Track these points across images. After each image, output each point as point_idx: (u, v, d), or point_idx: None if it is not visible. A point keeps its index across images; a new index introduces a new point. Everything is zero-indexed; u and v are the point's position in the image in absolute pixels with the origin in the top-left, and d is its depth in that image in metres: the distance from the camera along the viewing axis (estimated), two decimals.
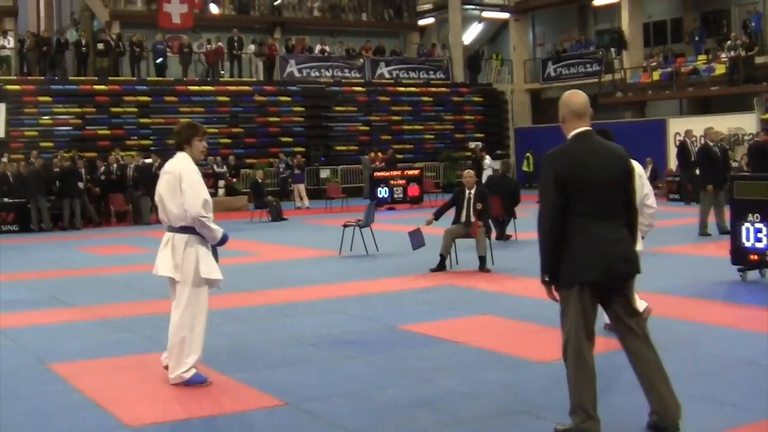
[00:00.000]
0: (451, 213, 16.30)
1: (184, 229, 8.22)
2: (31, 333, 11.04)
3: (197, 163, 8.41)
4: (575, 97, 6.45)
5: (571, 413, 6.21)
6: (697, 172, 23.30)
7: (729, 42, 37.09)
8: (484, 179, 29.03)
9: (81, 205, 27.65)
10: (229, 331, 10.70)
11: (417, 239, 16.71)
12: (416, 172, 33.81)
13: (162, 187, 8.35)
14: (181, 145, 8.39)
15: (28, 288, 15.07)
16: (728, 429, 6.56)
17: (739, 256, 13.32)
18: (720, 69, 37.12)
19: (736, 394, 7.37)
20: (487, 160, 36.05)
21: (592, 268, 6.11)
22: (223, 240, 8.41)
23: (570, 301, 6.23)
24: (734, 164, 29.60)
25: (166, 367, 8.38)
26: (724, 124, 33.17)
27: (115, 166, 29.59)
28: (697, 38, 40.35)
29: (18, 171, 28.15)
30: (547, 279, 6.42)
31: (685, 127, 31.62)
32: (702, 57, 39.23)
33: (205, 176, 32.07)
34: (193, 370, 8.25)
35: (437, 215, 16.44)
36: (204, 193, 8.18)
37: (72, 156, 29.45)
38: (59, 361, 9.36)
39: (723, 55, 37.27)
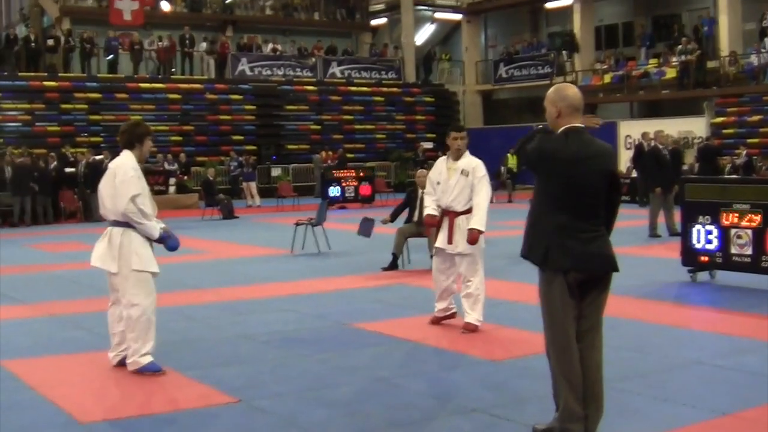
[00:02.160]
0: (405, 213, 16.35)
1: (119, 223, 8.40)
2: None
3: (146, 161, 8.54)
4: (573, 91, 6.28)
5: (557, 411, 6.16)
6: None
7: (680, 46, 37.42)
8: None
9: (43, 202, 27.65)
10: (180, 327, 10.65)
11: (367, 228, 16.83)
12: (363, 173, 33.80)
13: (101, 183, 8.61)
14: (132, 143, 8.58)
15: None
16: (678, 428, 6.61)
17: (690, 257, 13.44)
18: (671, 73, 37.49)
19: (686, 394, 7.43)
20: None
21: (572, 259, 6.07)
22: (162, 240, 8.51)
23: (555, 289, 6.22)
24: (684, 167, 29.91)
25: (122, 361, 8.51)
26: (674, 127, 33.47)
27: (83, 162, 29.29)
28: (648, 43, 40.67)
29: None
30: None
31: (636, 130, 31.80)
32: (653, 61, 39.58)
33: (156, 174, 32.20)
34: (150, 358, 8.40)
35: (393, 216, 16.46)
36: (133, 189, 8.29)
37: (22, 153, 29.16)
38: (9, 357, 9.25)
39: (674, 60, 37.61)
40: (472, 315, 10.22)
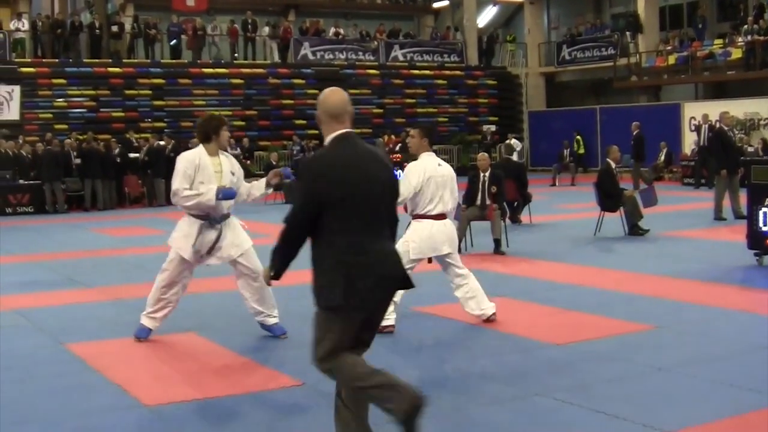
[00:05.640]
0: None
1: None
2: (47, 314, 11.08)
3: (225, 150, 9.36)
4: (331, 97, 5.87)
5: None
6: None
7: (745, 26, 36.89)
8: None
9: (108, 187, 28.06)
10: (244, 311, 10.71)
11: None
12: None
13: None
14: (208, 137, 9.12)
15: (44, 269, 15.12)
16: (746, 413, 6.54)
17: (756, 240, 13.25)
18: (736, 53, 36.91)
19: (753, 379, 7.34)
20: (514, 141, 34.86)
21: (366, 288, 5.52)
22: (223, 198, 9.06)
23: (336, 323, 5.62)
24: (750, 149, 29.56)
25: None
26: (740, 108, 33.04)
27: (146, 148, 29.61)
28: (700, 26, 40.11)
29: (34, 152, 28.28)
30: (272, 274, 5.99)
31: (702, 112, 31.36)
32: (718, 41, 39.03)
33: None
34: (144, 321, 9.34)
35: (468, 202, 16.26)
36: (175, 184, 9.00)
37: (87, 138, 29.52)
38: (76, 341, 9.40)
39: (739, 40, 37.09)
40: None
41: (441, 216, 9.57)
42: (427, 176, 9.43)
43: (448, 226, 9.67)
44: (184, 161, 9.02)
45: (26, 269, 15.14)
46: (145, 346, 9.14)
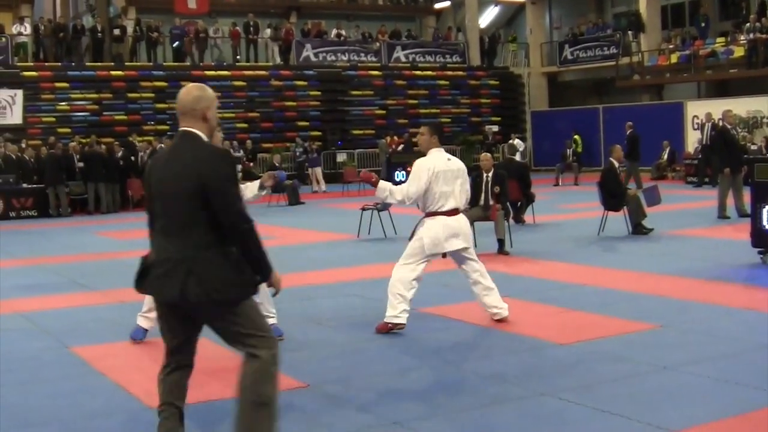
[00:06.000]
0: None
1: None
2: (52, 317, 11.10)
3: None
4: (181, 94, 5.70)
5: None
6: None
7: (748, 24, 36.86)
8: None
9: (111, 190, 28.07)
10: None
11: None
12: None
13: None
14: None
15: (48, 272, 15.14)
16: (751, 411, 6.53)
17: (760, 238, 13.24)
18: (738, 51, 36.90)
19: (759, 377, 7.33)
20: (517, 141, 34.93)
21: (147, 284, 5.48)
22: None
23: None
24: (753, 147, 29.55)
25: None
26: (743, 107, 33.06)
27: (149, 151, 29.61)
28: (703, 24, 40.06)
29: (37, 156, 28.32)
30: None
31: (704, 111, 31.42)
32: (720, 39, 39.01)
33: None
34: (139, 320, 9.47)
35: (471, 202, 16.26)
36: None
37: (90, 142, 29.55)
38: (81, 344, 9.41)
39: (742, 38, 37.07)
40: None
41: (454, 211, 9.55)
42: (436, 172, 9.41)
43: (462, 221, 9.65)
44: None
45: (30, 272, 15.16)
46: (149, 349, 9.14)
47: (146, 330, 9.39)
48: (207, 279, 5.20)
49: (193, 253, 5.22)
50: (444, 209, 9.51)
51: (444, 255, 9.80)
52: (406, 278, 9.53)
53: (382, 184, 9.61)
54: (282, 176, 9.76)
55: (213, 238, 5.25)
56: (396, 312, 9.45)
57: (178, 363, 5.78)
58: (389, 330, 9.42)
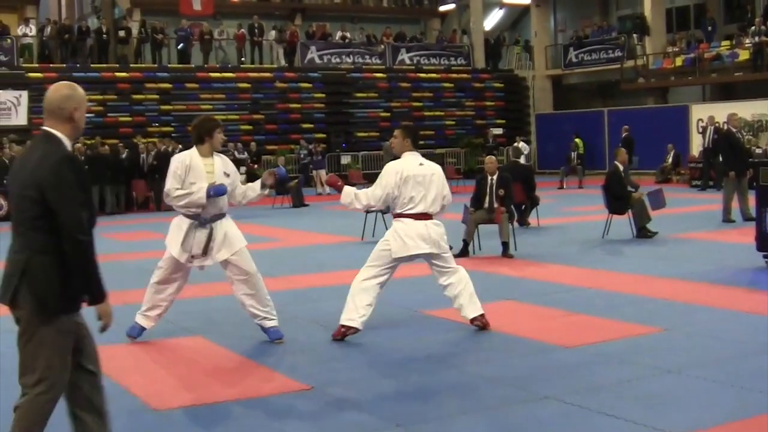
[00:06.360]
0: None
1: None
2: None
3: (218, 152, 9.41)
4: (50, 91, 5.43)
5: None
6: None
7: (753, 27, 36.84)
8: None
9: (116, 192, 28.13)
10: None
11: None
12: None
13: None
14: (202, 138, 9.22)
15: None
16: (756, 415, 6.52)
17: (765, 242, 13.21)
18: (744, 55, 36.86)
19: (763, 381, 7.31)
20: (521, 144, 34.79)
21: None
22: (214, 195, 9.11)
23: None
24: (758, 151, 29.51)
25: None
26: (748, 110, 33.04)
27: (154, 152, 29.66)
28: (710, 28, 40.03)
29: None
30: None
31: (709, 114, 31.43)
32: (725, 43, 38.98)
33: None
34: (138, 318, 9.56)
35: (476, 205, 16.24)
36: (167, 183, 9.23)
37: (95, 143, 29.59)
38: None
39: (747, 41, 37.04)
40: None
41: (423, 215, 9.31)
42: (404, 176, 9.24)
43: (431, 227, 9.36)
44: (175, 162, 9.23)
45: None
46: (153, 350, 9.16)
47: (144, 328, 9.46)
48: (36, 284, 5.06)
49: (29, 257, 5.07)
50: (411, 212, 9.30)
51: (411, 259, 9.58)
52: (369, 283, 9.41)
53: (347, 189, 9.55)
54: (281, 172, 9.77)
55: (52, 245, 5.06)
56: (350, 315, 9.33)
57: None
58: (343, 335, 9.32)
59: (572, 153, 35.30)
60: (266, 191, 9.66)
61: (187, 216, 9.18)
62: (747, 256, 13.73)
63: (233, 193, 9.39)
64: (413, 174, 9.29)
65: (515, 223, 17.25)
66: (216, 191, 9.03)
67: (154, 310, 9.44)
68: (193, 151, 9.24)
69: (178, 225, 9.26)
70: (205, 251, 9.12)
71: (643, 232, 17.19)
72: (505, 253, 15.40)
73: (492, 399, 7.15)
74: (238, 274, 9.20)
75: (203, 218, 9.13)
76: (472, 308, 9.60)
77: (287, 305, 11.57)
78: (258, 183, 9.47)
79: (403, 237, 9.26)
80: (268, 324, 9.31)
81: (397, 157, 9.67)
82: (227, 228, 9.26)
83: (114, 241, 20.18)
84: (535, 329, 9.66)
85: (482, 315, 9.63)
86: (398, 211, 9.37)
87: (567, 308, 10.70)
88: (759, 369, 7.70)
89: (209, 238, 9.11)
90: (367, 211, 18.36)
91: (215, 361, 8.66)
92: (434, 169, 9.53)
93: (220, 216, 9.24)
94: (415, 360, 8.51)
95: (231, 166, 9.51)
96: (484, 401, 7.09)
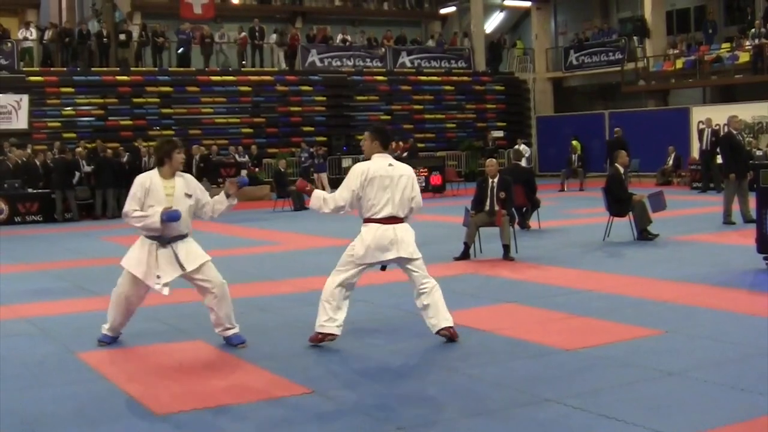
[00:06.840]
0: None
1: None
2: (58, 322, 11.10)
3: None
4: None
5: None
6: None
7: (753, 30, 36.84)
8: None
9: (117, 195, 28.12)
10: (254, 319, 10.73)
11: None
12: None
13: None
14: (162, 161, 9.39)
15: (54, 277, 15.15)
16: (757, 417, 6.52)
17: (765, 244, 13.23)
18: (744, 57, 36.86)
19: (765, 383, 7.31)
20: (522, 147, 34.66)
21: None
22: (167, 221, 9.16)
23: None
24: (759, 153, 29.52)
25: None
26: (748, 112, 33.03)
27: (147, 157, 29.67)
28: (711, 31, 40.03)
29: (44, 161, 28.35)
30: None
31: (710, 116, 31.48)
32: (726, 45, 38.98)
33: (228, 165, 32.53)
34: (104, 329, 9.71)
35: (477, 208, 16.21)
36: (126, 205, 9.44)
37: (97, 147, 29.63)
38: (87, 349, 9.41)
39: (747, 43, 37.05)
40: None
41: (391, 219, 9.17)
42: (370, 176, 9.06)
43: (399, 231, 9.20)
44: (136, 184, 9.38)
45: (36, 278, 15.17)
46: (154, 355, 9.16)
47: (115, 337, 9.74)
48: None
49: None
50: (379, 216, 9.14)
51: (383, 268, 9.52)
52: (338, 288, 9.31)
53: (317, 192, 9.43)
54: (243, 181, 9.94)
55: None
56: (323, 320, 9.27)
57: None
58: (320, 341, 9.27)
59: (573, 155, 35.29)
60: (234, 201, 9.62)
61: (149, 237, 9.31)
62: (748, 258, 13.74)
63: (202, 210, 9.50)
64: (380, 175, 9.10)
65: (516, 226, 17.27)
66: (169, 217, 9.08)
67: (119, 325, 9.76)
68: (154, 172, 9.39)
69: (140, 246, 9.43)
70: (165, 270, 9.23)
71: (644, 235, 17.20)
72: (506, 255, 15.40)
73: (493, 402, 7.14)
74: (204, 286, 9.33)
75: (164, 238, 9.24)
76: (441, 318, 9.34)
77: (288, 308, 11.59)
78: (223, 195, 9.54)
79: (368, 243, 9.15)
80: (229, 333, 9.48)
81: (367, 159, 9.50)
82: (188, 247, 9.36)
83: (116, 244, 20.18)
84: (536, 332, 9.66)
85: (451, 327, 9.35)
86: (366, 216, 9.22)
87: (568, 311, 10.70)
88: (760, 371, 7.70)
89: (171, 257, 9.24)
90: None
91: (216, 365, 8.67)
92: (404, 171, 9.33)
93: (182, 237, 9.31)
94: (416, 363, 8.52)
95: (194, 185, 9.49)
96: (486, 404, 7.09)
